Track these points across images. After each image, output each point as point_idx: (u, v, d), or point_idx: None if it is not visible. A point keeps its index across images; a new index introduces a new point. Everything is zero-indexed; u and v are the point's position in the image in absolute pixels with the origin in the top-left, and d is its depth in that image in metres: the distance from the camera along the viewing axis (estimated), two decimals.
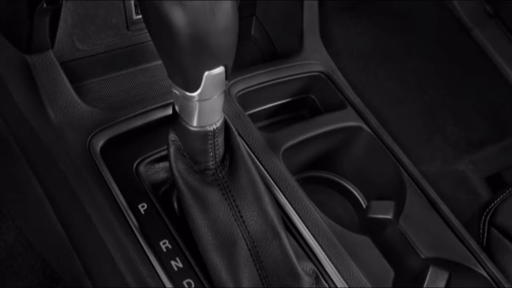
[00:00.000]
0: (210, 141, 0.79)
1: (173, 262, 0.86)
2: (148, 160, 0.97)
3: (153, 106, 1.04)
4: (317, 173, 1.23)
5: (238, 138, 0.85)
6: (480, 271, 1.00)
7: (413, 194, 1.09)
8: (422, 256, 1.01)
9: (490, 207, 1.12)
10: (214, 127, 0.78)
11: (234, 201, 0.84)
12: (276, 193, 0.99)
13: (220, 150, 0.82)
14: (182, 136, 0.80)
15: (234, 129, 0.84)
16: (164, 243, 0.87)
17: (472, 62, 1.34)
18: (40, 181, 1.14)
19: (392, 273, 0.97)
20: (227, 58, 0.70)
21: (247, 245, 0.83)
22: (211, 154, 0.81)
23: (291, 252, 0.85)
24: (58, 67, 1.00)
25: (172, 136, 0.81)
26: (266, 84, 1.20)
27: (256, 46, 1.42)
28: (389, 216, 1.06)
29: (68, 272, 1.22)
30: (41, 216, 1.19)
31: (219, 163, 0.84)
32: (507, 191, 1.14)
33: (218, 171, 0.84)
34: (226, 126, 0.83)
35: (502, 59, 1.34)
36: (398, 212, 1.06)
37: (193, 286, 0.84)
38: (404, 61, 1.38)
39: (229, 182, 0.84)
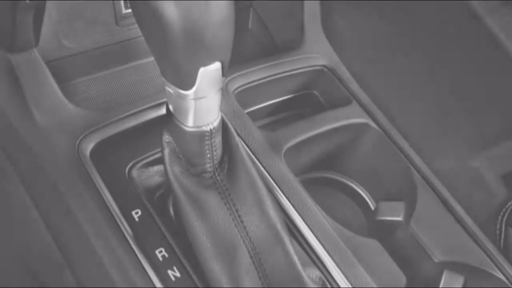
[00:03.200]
0: (207, 142, 0.79)
1: (170, 272, 0.86)
2: (141, 163, 0.97)
3: (145, 106, 1.04)
4: (322, 174, 1.23)
5: (237, 138, 0.86)
6: (497, 275, 1.01)
7: (425, 194, 1.09)
8: (436, 260, 1.01)
9: (507, 206, 1.12)
10: (211, 127, 0.78)
11: (234, 205, 0.84)
12: (278, 195, 1.00)
13: (218, 151, 0.83)
14: (177, 137, 0.80)
15: (232, 129, 0.85)
16: (160, 252, 0.88)
17: (485, 52, 1.34)
18: (27, 187, 1.14)
19: (403, 279, 0.98)
20: (223, 53, 0.70)
21: (248, 251, 0.84)
22: (209, 155, 0.81)
23: (295, 258, 0.85)
24: (43, 66, 1.01)
25: (166, 138, 0.82)
26: (266, 80, 1.20)
27: (254, 40, 1.43)
28: (400, 218, 1.07)
29: (59, 285, 1.22)
30: (29, 225, 1.19)
31: (217, 165, 0.84)
32: None
33: (216, 174, 0.84)
34: (223, 125, 0.83)
35: None
36: (409, 213, 1.06)
37: None
38: (412, 52, 1.38)
39: (228, 185, 0.84)
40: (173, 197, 0.85)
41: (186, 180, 0.83)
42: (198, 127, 0.77)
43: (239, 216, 0.84)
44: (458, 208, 1.08)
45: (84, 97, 1.15)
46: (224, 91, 1.12)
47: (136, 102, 1.05)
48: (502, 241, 1.09)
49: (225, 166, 0.85)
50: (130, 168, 0.96)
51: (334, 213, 1.03)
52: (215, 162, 0.83)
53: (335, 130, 1.16)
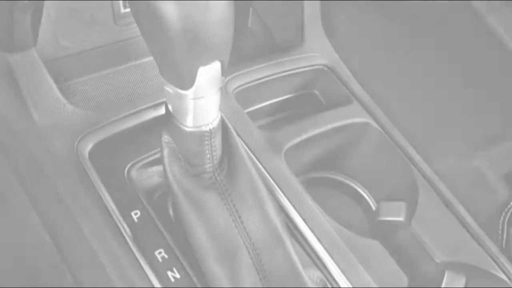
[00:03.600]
0: (206, 142, 0.79)
1: (170, 273, 0.86)
2: (140, 164, 0.97)
3: (144, 106, 1.04)
4: (323, 174, 1.23)
5: (237, 138, 0.86)
6: (499, 275, 1.01)
7: (426, 194, 1.09)
8: (437, 260, 1.01)
9: (509, 206, 1.12)
10: (211, 127, 0.78)
11: (234, 206, 0.84)
12: (279, 196, 0.99)
13: (218, 152, 0.83)
14: (177, 137, 0.80)
15: (232, 129, 0.85)
16: (160, 253, 0.88)
17: (486, 51, 1.34)
18: (26, 188, 1.14)
19: (405, 279, 0.98)
20: (222, 52, 0.70)
21: (249, 253, 0.83)
22: (208, 156, 0.81)
23: (296, 259, 0.85)
24: (41, 66, 1.01)
25: (165, 138, 0.82)
26: (266, 79, 1.20)
27: (254, 39, 1.43)
28: (401, 218, 1.07)
29: (58, 286, 1.22)
30: (27, 226, 1.19)
31: (216, 166, 0.84)
32: None
33: (216, 174, 0.84)
34: (223, 125, 0.83)
35: None
36: (410, 213, 1.06)
37: None
38: (413, 51, 1.38)
39: (228, 185, 0.84)
40: (172, 198, 0.85)
41: (186, 181, 0.83)
42: (197, 127, 0.77)
43: (239, 217, 0.84)
44: (460, 208, 1.08)
45: (82, 97, 1.15)
46: (223, 90, 1.12)
47: (135, 102, 1.05)
48: (504, 241, 1.09)
49: (225, 167, 0.85)
50: (129, 169, 0.96)
51: (334, 214, 1.02)
52: (215, 162, 0.83)
53: (336, 129, 1.15)
